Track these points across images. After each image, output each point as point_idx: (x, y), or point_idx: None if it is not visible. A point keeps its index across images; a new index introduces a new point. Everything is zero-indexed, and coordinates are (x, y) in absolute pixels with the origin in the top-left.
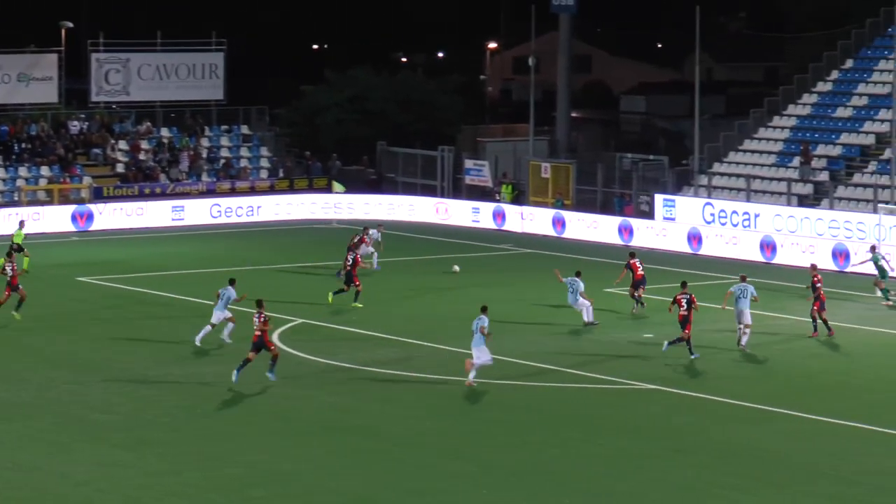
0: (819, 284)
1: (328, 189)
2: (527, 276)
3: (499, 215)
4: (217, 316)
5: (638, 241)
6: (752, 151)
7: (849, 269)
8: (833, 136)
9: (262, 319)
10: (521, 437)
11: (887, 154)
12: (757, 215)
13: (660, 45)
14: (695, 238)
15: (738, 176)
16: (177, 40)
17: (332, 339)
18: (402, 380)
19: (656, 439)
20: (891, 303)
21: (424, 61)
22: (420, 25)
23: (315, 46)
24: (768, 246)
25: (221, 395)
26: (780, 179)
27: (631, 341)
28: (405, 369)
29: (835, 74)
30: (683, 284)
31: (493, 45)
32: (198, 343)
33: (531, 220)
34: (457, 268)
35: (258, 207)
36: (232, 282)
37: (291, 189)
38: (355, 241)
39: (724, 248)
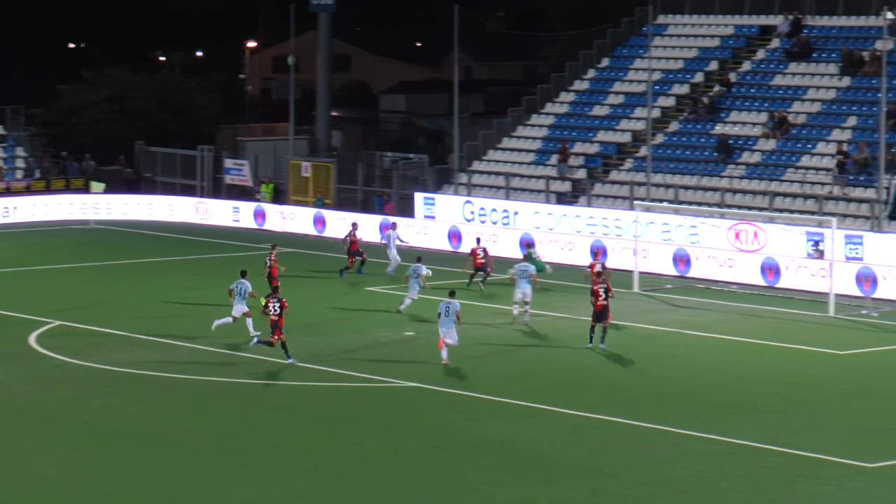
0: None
1: (86, 189)
2: (288, 275)
3: (259, 215)
4: (237, 310)
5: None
6: (511, 150)
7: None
8: (590, 135)
9: (277, 304)
10: (284, 437)
11: (643, 152)
12: (516, 213)
13: (419, 45)
14: (455, 236)
15: (498, 174)
16: None
17: (90, 341)
18: (163, 381)
19: (416, 436)
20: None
21: (183, 60)
22: (178, 24)
23: (72, 45)
24: (527, 243)
25: None
26: (538, 177)
27: (393, 340)
28: (166, 370)
29: (591, 73)
30: (598, 274)
31: (252, 43)
32: (214, 328)
33: (292, 219)
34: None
35: (14, 208)
36: (244, 274)
37: (48, 190)
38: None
39: (485, 245)
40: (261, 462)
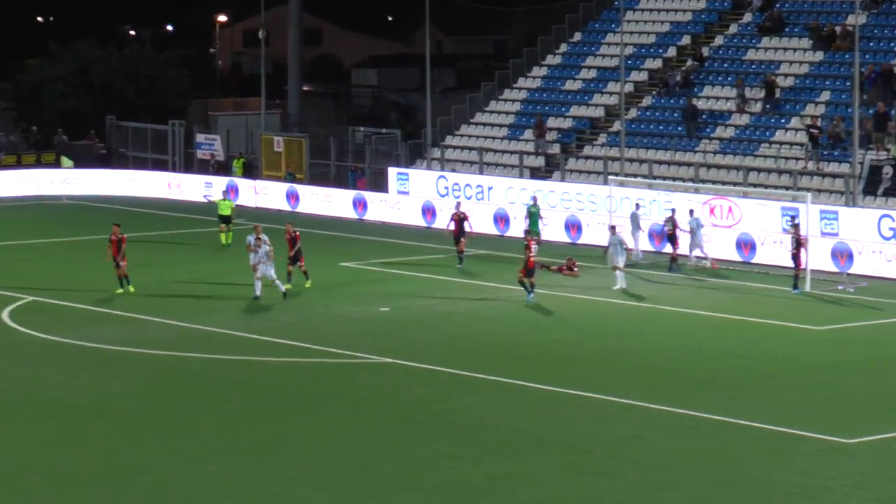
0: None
1: (57, 164)
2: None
3: (232, 190)
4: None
5: (372, 215)
6: (484, 124)
7: None
8: (563, 109)
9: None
10: (248, 413)
11: (616, 126)
12: (490, 188)
13: (390, 19)
14: (429, 211)
15: (471, 149)
16: None
17: (62, 317)
18: (130, 356)
19: (385, 412)
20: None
21: (152, 35)
22: None
23: (39, 18)
24: (502, 218)
25: None
26: (511, 152)
27: (364, 315)
28: (134, 345)
29: (563, 47)
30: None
31: (222, 17)
32: None
33: (265, 194)
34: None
35: None
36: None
37: (19, 164)
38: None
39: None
40: (223, 438)
